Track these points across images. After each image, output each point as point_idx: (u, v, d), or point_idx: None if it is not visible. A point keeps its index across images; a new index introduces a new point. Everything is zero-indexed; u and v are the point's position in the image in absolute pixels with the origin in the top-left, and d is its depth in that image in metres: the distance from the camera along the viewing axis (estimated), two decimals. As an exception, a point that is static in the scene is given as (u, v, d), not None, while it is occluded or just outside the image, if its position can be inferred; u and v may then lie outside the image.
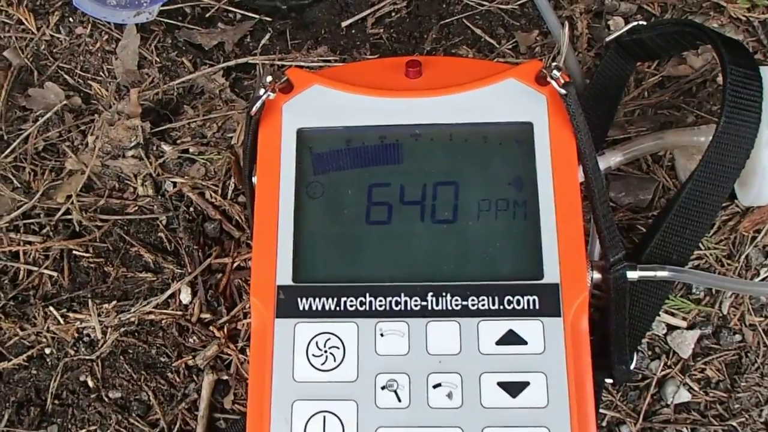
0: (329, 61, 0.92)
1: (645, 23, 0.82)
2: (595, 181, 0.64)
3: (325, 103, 0.72)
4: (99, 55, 0.92)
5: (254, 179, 0.70)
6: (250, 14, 1.04)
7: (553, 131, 0.69)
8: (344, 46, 1.02)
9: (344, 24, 1.04)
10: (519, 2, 0.99)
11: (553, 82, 0.67)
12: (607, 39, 0.86)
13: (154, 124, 0.86)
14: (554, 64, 0.69)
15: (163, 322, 0.80)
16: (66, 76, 0.91)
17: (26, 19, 0.92)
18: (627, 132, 0.84)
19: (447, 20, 1.01)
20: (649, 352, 0.77)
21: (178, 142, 0.87)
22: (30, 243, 0.82)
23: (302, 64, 0.92)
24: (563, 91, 0.67)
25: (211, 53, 0.98)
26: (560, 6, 0.93)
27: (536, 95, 0.70)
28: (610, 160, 0.81)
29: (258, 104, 0.68)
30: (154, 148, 0.86)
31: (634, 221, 0.81)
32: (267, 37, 1.02)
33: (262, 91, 0.69)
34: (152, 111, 0.88)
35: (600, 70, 0.85)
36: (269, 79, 0.70)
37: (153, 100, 0.89)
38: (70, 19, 0.93)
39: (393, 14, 1.06)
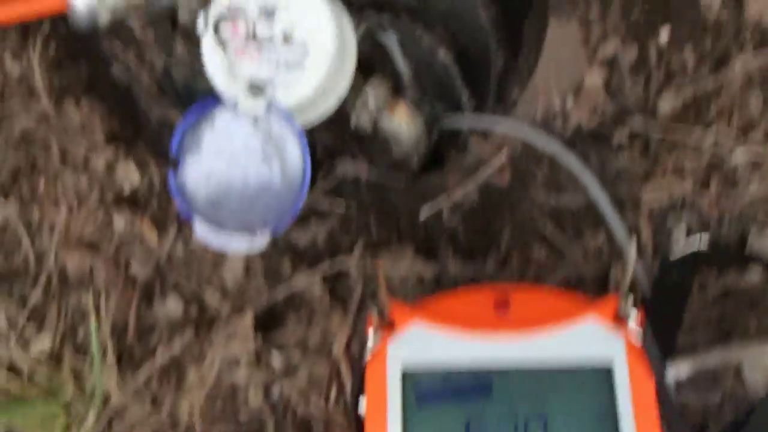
0: (417, 266, 1.00)
1: (707, 248, 0.90)
2: (670, 417, 0.71)
3: (424, 341, 0.80)
4: (211, 263, 1.01)
5: (360, 409, 0.77)
6: (337, 208, 1.12)
7: (632, 369, 0.75)
8: (424, 239, 1.10)
9: (422, 215, 1.12)
10: (585, 200, 1.06)
11: (630, 326, 0.74)
12: (671, 254, 0.93)
13: (263, 334, 0.95)
14: (630, 303, 0.76)
15: None
16: (183, 286, 1.00)
17: (148, 233, 1.01)
18: (693, 339, 0.90)
19: (517, 215, 1.08)
20: None
21: (284, 350, 0.95)
22: (159, 451, 0.90)
23: (391, 271, 1.00)
24: (640, 342, 0.73)
25: (306, 252, 1.06)
26: (626, 214, 0.99)
27: (614, 334, 0.77)
28: (679, 371, 0.87)
29: (367, 353, 0.77)
30: (264, 357, 0.94)
31: (705, 427, 0.86)
32: (353, 230, 1.11)
33: (370, 340, 0.78)
34: (260, 320, 0.96)
35: (666, 280, 0.92)
36: (374, 316, 0.79)
37: (260, 308, 0.97)
38: (186, 230, 1.02)
39: (466, 203, 1.13)
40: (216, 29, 0.97)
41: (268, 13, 0.95)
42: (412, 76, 1.63)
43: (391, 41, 1.60)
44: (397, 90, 1.66)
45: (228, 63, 0.96)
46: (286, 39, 0.95)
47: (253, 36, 0.95)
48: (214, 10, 0.97)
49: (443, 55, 1.64)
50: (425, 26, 1.67)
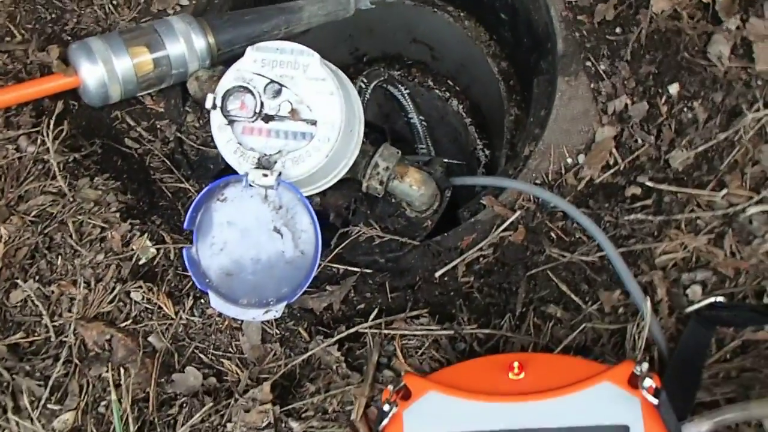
0: (431, 329, 1.05)
1: (723, 301, 0.94)
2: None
3: (440, 409, 0.85)
4: (228, 332, 1.07)
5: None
6: (352, 269, 1.18)
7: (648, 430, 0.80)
8: (439, 298, 1.15)
9: (437, 273, 1.17)
10: (599, 254, 1.10)
11: (645, 393, 0.79)
12: (688, 310, 0.97)
13: (281, 402, 1.00)
14: (645, 369, 0.81)
15: None
16: (201, 356, 1.06)
17: (165, 304, 1.07)
18: (713, 394, 0.94)
19: (533, 271, 1.13)
20: None
21: (303, 416, 1.00)
22: None
23: (407, 332, 1.05)
24: (655, 401, 0.78)
25: (322, 316, 1.12)
26: (640, 270, 1.04)
27: (630, 398, 0.82)
28: (700, 428, 0.90)
29: (385, 422, 0.82)
30: (283, 425, 0.99)
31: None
32: (369, 293, 1.16)
33: (387, 407, 0.83)
34: (277, 385, 1.02)
35: (683, 338, 0.96)
36: (391, 388, 0.84)
37: (277, 373, 1.02)
38: (202, 300, 1.08)
39: (481, 260, 1.19)
40: (224, 106, 1.04)
41: (275, 91, 1.02)
42: (425, 128, 1.70)
43: (402, 95, 1.67)
44: (410, 143, 1.73)
45: (237, 138, 1.03)
46: (294, 114, 1.01)
47: (260, 112, 1.03)
48: (222, 87, 1.05)
49: (456, 106, 1.71)
50: (437, 79, 1.74)
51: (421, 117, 1.75)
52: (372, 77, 1.63)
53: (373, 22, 1.65)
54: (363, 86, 1.61)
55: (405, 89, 1.70)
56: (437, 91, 1.77)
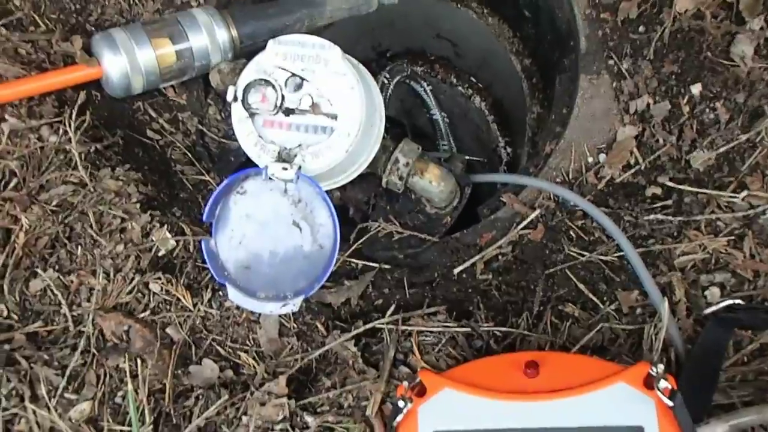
0: (448, 326, 1.06)
1: (742, 303, 0.94)
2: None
3: (455, 406, 0.86)
4: (245, 325, 1.09)
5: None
6: (371, 264, 1.19)
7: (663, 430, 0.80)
8: (457, 295, 1.16)
9: (456, 270, 1.18)
10: (618, 254, 1.11)
11: (660, 394, 0.79)
12: (706, 312, 0.98)
13: (296, 394, 1.01)
14: (661, 371, 0.81)
15: None
16: (218, 348, 1.07)
17: (183, 296, 1.09)
18: (730, 397, 0.94)
19: (551, 270, 1.14)
20: None
21: (319, 411, 1.01)
22: None
23: (424, 329, 1.06)
24: (671, 403, 0.78)
25: (340, 311, 1.13)
26: (659, 270, 1.04)
27: (645, 399, 0.82)
28: (716, 431, 0.91)
29: (400, 417, 0.83)
30: (299, 419, 1.00)
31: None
32: (387, 288, 1.17)
33: (401, 403, 0.84)
34: (293, 379, 1.03)
35: (701, 340, 0.97)
36: (406, 384, 0.85)
37: (293, 367, 1.04)
38: (220, 293, 1.10)
39: (500, 258, 1.19)
40: (245, 99, 1.05)
41: (296, 84, 1.03)
42: (447, 124, 1.71)
43: (425, 91, 1.68)
44: (432, 139, 1.74)
45: (257, 131, 1.05)
46: (315, 108, 1.03)
47: (281, 106, 1.04)
48: (243, 80, 1.06)
49: (479, 103, 1.72)
50: (459, 76, 1.75)
51: (443, 113, 1.76)
52: (394, 73, 1.64)
53: (397, 18, 1.65)
54: (385, 81, 1.62)
55: (428, 85, 1.71)
56: (460, 87, 1.78)
